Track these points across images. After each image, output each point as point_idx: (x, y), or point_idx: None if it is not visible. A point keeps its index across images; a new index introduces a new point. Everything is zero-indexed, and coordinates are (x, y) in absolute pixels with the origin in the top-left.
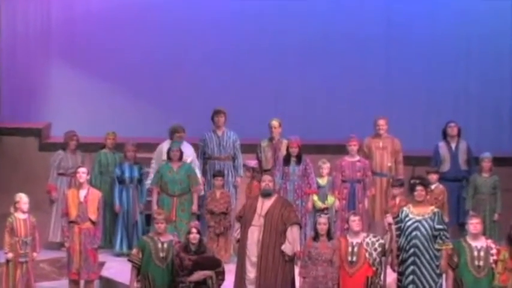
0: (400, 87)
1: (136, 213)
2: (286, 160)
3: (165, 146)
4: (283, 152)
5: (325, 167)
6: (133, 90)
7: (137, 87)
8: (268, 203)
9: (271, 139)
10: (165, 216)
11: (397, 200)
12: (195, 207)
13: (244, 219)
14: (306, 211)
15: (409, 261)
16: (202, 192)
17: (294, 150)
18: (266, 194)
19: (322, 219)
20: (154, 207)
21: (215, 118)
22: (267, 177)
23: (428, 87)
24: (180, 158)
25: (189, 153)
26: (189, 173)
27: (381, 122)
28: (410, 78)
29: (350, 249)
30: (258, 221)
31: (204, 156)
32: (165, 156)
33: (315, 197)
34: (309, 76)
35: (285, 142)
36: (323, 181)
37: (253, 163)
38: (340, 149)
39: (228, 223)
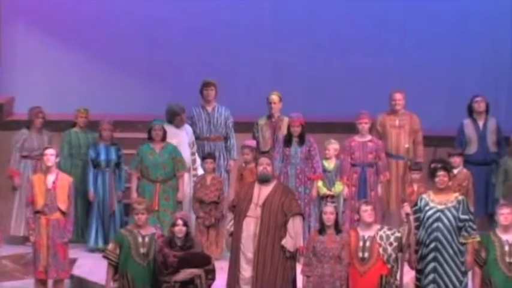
0: (419, 56)
1: (114, 202)
2: (287, 141)
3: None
4: (284, 131)
5: (332, 148)
6: (110, 60)
7: (114, 56)
8: (266, 190)
9: (269, 116)
10: (146, 205)
11: (416, 186)
12: (180, 195)
13: (239, 209)
14: (309, 199)
15: (430, 257)
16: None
17: (296, 130)
18: (264, 180)
19: (329, 208)
20: (134, 195)
21: (204, 91)
22: (264, 161)
23: (452, 57)
24: (164, 138)
25: (191, 139)
26: (173, 155)
27: (398, 96)
28: (431, 48)
29: (361, 243)
30: (254, 212)
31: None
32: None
33: (320, 183)
34: (314, 45)
35: (285, 120)
36: (329, 165)
37: (254, 143)
38: (349, 128)
39: (219, 214)
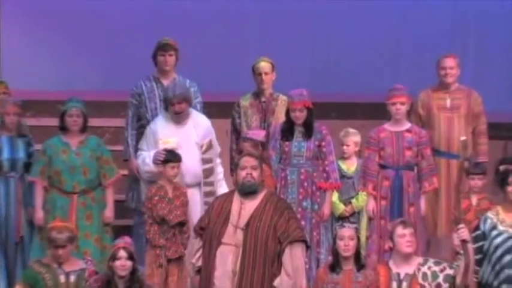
0: (481, 6)
1: (21, 223)
2: (287, 131)
3: (159, 123)
4: (280, 116)
5: (351, 141)
6: (20, 18)
7: (26, 12)
8: (250, 205)
9: (257, 94)
10: (71, 234)
11: (476, 199)
12: (109, 213)
13: (210, 234)
14: (319, 220)
15: None
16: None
17: (299, 115)
18: (248, 192)
19: (347, 231)
20: (39, 214)
21: (159, 57)
22: (248, 161)
23: None
24: (83, 128)
25: (205, 138)
26: (98, 153)
27: (449, 62)
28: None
29: (395, 285)
30: (233, 237)
31: (137, 123)
32: (157, 145)
33: (336, 197)
34: None
35: (282, 100)
36: (348, 167)
37: (262, 134)
38: (377, 111)
39: (186, 240)
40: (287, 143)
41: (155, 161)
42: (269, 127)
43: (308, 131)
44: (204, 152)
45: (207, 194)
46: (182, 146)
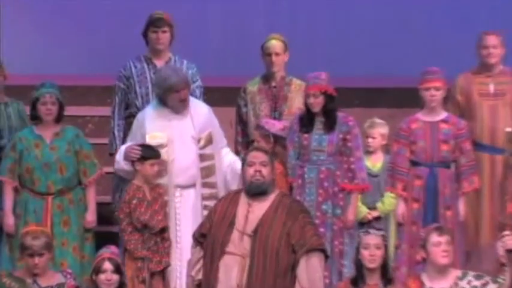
0: None
1: None
2: (306, 121)
3: (147, 114)
4: (293, 104)
5: (378, 133)
6: None
7: None
8: (259, 208)
9: (266, 78)
10: (48, 240)
11: None
12: (90, 217)
13: (212, 242)
14: (342, 226)
15: None
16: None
17: (314, 101)
18: (256, 192)
19: (373, 239)
20: (9, 219)
21: (151, 34)
22: (257, 157)
23: None
24: (59, 117)
25: (203, 129)
26: (76, 146)
27: (491, 39)
28: None
29: None
30: (238, 246)
31: (125, 111)
32: (144, 140)
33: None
34: None
35: (296, 85)
36: (373, 163)
37: (277, 126)
38: (407, 98)
39: (168, 248)
40: (306, 135)
41: (128, 158)
42: (280, 116)
43: (330, 121)
44: (203, 147)
45: (207, 197)
46: (175, 140)
